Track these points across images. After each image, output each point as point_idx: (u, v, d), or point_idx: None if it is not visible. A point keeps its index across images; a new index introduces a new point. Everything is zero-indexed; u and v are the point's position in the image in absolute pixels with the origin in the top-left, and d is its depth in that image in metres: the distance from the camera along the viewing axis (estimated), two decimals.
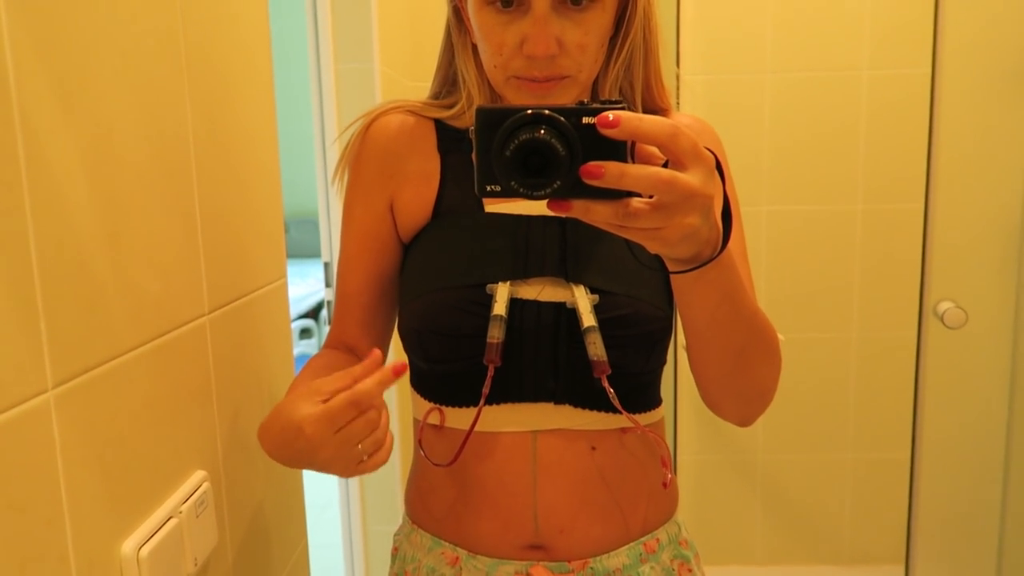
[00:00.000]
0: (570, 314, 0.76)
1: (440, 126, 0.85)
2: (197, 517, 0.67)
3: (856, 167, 1.99)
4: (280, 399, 0.91)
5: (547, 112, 0.50)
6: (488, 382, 0.76)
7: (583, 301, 0.75)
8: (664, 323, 0.78)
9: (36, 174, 0.48)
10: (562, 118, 0.50)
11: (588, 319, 0.74)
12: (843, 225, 2.02)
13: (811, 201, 2.01)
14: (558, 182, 0.50)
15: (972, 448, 2.02)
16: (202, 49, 0.73)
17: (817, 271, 2.04)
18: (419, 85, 1.92)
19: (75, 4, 0.52)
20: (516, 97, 0.77)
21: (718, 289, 0.63)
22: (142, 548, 0.57)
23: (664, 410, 0.86)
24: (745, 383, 0.74)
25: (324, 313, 5.08)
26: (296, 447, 0.61)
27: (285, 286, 0.97)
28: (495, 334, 0.75)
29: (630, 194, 0.51)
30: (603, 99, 0.51)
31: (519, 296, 0.76)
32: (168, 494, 0.65)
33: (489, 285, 0.76)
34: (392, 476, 1.80)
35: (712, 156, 0.53)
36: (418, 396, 0.84)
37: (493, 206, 0.80)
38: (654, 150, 0.52)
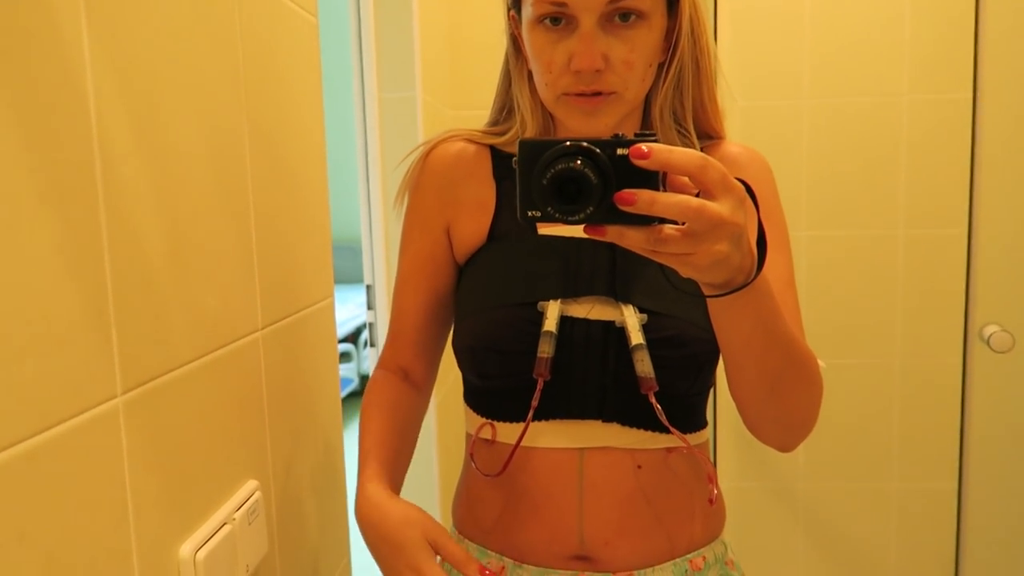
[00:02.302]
0: (619, 333, 0.77)
1: (496, 153, 0.88)
2: (249, 524, 0.69)
3: (897, 192, 1.98)
4: (327, 416, 0.95)
5: (584, 144, 0.54)
6: (537, 395, 0.77)
7: (632, 319, 0.77)
8: (710, 345, 0.79)
9: (111, 198, 0.51)
10: (597, 149, 0.53)
11: (636, 337, 0.76)
12: (885, 250, 2.00)
13: (852, 226, 2.00)
14: (591, 208, 0.53)
15: (1022, 477, 1.97)
16: (260, 82, 0.77)
17: (859, 296, 2.02)
18: (459, 113, 1.96)
19: (148, 38, 0.56)
20: (566, 114, 0.79)
21: (752, 314, 0.64)
22: (199, 551, 0.60)
23: (706, 433, 0.86)
24: (783, 409, 0.74)
25: (364, 336, 5.15)
26: (381, 564, 0.76)
27: (332, 305, 1.01)
28: (545, 349, 0.77)
29: (663, 221, 0.54)
30: (637, 132, 0.55)
31: (569, 314, 0.78)
32: (222, 501, 0.67)
33: (540, 303, 0.78)
34: (431, 495, 1.82)
35: (742, 186, 0.55)
36: (471, 411, 0.86)
37: (546, 229, 0.82)
38: (686, 180, 0.54)
